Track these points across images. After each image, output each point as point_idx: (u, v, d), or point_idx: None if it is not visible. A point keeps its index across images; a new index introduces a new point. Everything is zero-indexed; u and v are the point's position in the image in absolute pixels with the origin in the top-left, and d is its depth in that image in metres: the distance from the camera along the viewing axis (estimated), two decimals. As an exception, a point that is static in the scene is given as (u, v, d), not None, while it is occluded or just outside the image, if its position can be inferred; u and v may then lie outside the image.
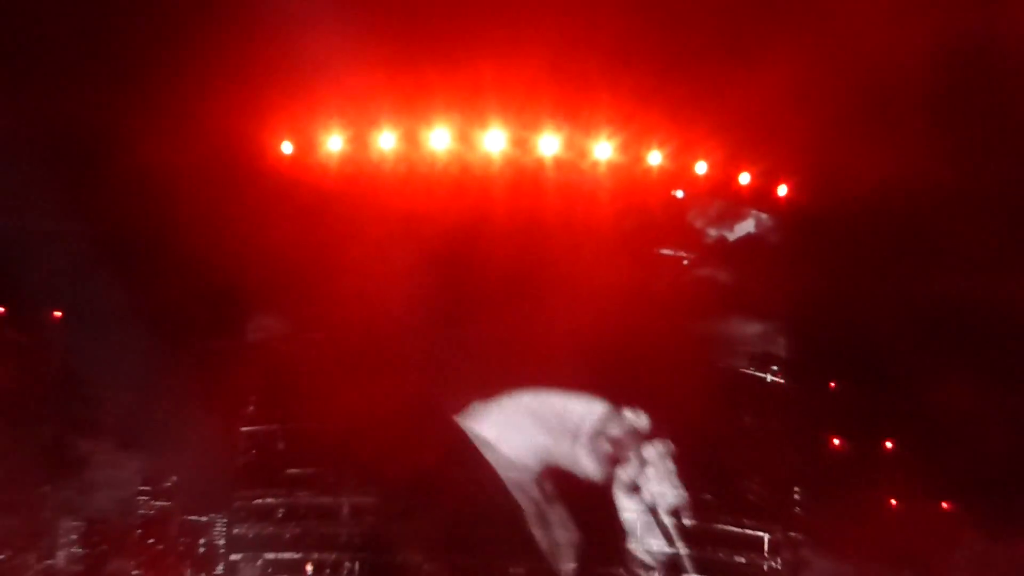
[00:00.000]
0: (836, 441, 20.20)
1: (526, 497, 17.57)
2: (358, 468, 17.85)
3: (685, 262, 18.96)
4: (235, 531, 18.63)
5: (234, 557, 18.37)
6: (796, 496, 19.18)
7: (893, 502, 19.16)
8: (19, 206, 18.16)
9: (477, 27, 16.66)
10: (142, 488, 19.61)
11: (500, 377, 18.10)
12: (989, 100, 17.58)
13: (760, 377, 19.22)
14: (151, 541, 19.44)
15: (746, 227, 19.46)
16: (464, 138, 18.61)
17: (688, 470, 17.66)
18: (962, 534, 18.22)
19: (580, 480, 17.61)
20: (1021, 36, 15.55)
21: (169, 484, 19.65)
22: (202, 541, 19.64)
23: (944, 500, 18.88)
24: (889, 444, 19.98)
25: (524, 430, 17.66)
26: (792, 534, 18.81)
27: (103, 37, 17.37)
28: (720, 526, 18.00)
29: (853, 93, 17.02)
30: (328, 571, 17.68)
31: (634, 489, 17.63)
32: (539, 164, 18.56)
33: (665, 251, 18.86)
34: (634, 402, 17.61)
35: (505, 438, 17.66)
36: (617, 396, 17.73)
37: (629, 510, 17.69)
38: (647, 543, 17.73)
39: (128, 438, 19.45)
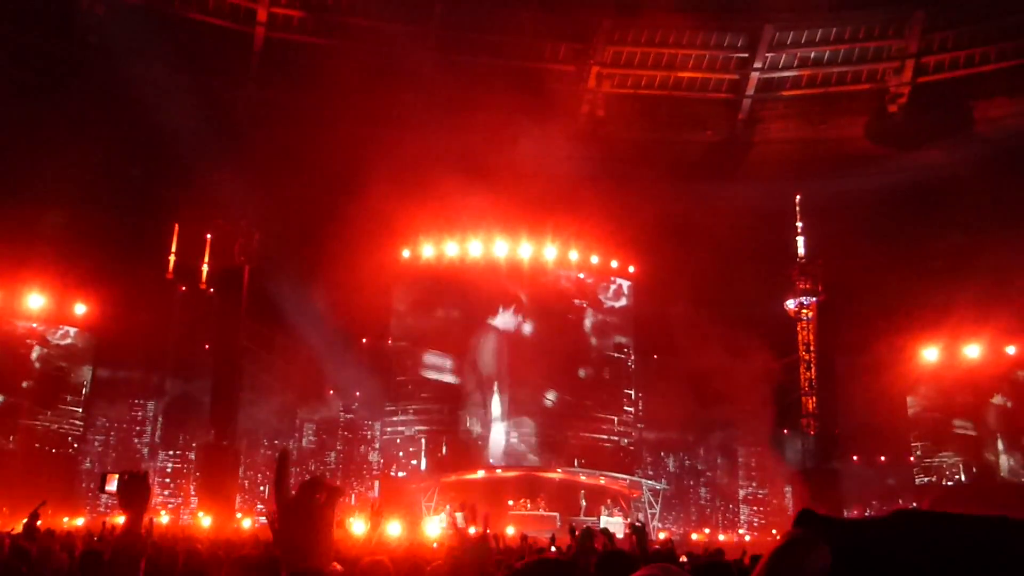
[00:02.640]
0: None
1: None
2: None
3: (584, 304, 41.38)
4: (392, 419, 40.92)
5: (386, 432, 40.81)
6: (632, 401, 41.55)
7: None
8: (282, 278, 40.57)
9: (490, 202, 39.15)
10: (341, 409, 41.84)
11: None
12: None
13: (617, 355, 41.72)
14: (346, 433, 41.89)
15: (614, 287, 42.08)
16: (485, 246, 41.15)
17: (579, 392, 40.25)
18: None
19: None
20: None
21: (355, 405, 41.80)
22: (369, 433, 41.96)
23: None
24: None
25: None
26: (631, 419, 41.34)
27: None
28: (593, 413, 40.38)
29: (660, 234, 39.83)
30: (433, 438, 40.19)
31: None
32: (519, 259, 41.05)
33: (576, 301, 41.30)
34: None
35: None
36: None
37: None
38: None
39: (335, 387, 41.73)
